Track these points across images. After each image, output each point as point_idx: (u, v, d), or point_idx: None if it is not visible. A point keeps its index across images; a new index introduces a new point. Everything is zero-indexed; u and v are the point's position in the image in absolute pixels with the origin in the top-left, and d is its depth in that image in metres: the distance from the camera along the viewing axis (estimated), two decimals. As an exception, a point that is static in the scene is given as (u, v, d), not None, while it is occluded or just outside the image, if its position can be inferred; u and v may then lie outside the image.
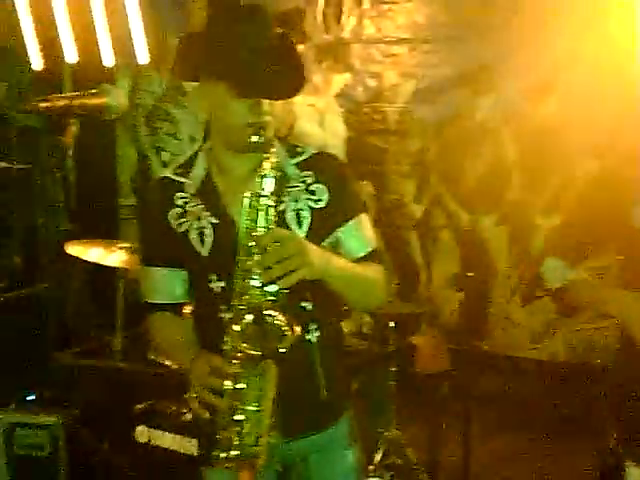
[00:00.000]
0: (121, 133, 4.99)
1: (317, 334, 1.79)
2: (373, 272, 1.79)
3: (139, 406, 2.82)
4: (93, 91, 1.68)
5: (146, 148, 4.94)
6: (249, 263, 1.61)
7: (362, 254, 1.80)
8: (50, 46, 4.44)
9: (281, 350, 1.56)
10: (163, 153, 4.89)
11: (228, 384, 1.60)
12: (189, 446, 2.63)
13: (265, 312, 1.56)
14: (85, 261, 3.45)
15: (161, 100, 4.88)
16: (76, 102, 1.61)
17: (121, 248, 3.32)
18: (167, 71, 4.83)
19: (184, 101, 4.78)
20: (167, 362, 2.99)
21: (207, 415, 1.64)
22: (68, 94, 1.63)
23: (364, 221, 1.83)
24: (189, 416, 2.66)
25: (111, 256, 3.31)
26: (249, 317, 1.57)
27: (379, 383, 3.09)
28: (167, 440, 2.69)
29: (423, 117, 4.34)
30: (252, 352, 1.58)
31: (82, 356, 3.64)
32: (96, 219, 4.81)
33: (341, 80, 4.51)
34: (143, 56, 4.39)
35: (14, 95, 5.01)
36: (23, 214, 4.12)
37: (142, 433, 2.73)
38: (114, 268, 3.36)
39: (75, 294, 4.68)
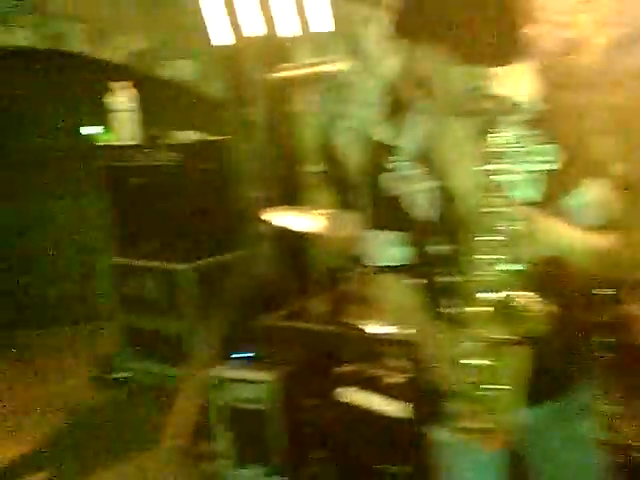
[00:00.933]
0: (306, 101, 5.08)
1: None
2: (606, 243, 1.66)
3: (345, 368, 2.89)
4: (318, 60, 1.70)
5: (331, 115, 4.99)
6: (484, 242, 1.56)
7: (596, 223, 1.68)
8: (235, 21, 4.58)
9: (533, 335, 1.49)
10: (348, 120, 4.92)
11: (477, 362, 1.56)
12: (397, 409, 2.66)
13: (512, 294, 1.49)
14: (281, 227, 3.57)
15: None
16: (305, 71, 1.63)
17: (317, 214, 3.40)
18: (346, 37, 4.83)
19: (366, 67, 4.76)
20: (364, 327, 3.05)
21: (447, 387, 1.62)
22: (296, 63, 1.65)
23: (599, 187, 1.70)
24: (396, 379, 2.70)
25: (306, 222, 3.39)
26: (494, 298, 1.51)
27: (593, 354, 2.94)
28: (374, 401, 2.74)
29: (624, 68, 4.03)
30: (503, 338, 1.52)
31: (286, 319, 3.79)
32: (285, 186, 4.98)
33: (530, 32, 4.29)
34: (325, 25, 4.42)
35: (205, 72, 5.28)
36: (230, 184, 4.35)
37: (349, 394, 2.80)
38: (309, 234, 3.44)
39: (270, 260, 4.89)
